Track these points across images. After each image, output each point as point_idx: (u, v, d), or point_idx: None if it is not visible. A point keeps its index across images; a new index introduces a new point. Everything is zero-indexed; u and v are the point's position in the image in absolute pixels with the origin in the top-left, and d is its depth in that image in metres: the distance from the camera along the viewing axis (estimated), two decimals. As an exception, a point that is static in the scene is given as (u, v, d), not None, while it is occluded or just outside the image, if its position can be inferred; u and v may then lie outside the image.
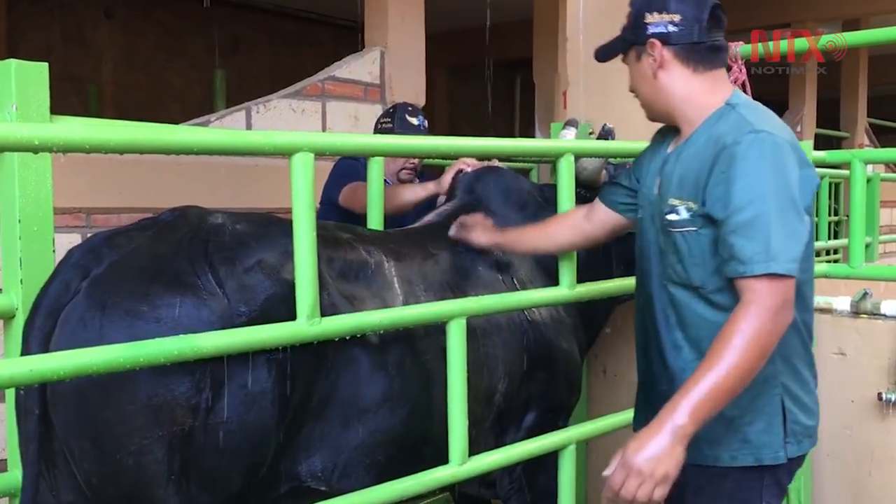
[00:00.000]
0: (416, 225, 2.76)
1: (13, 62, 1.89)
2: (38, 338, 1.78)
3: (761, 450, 1.94)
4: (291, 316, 1.87)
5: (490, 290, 2.52)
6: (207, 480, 1.82)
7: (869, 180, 5.30)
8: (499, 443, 2.54)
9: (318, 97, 4.82)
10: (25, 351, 1.80)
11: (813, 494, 3.15)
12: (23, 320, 1.87)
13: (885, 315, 2.97)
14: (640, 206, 2.17)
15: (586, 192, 2.98)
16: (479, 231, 2.56)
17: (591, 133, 3.57)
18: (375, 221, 2.92)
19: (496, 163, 3.14)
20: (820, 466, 3.11)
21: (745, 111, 1.92)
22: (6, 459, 2.08)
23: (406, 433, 2.16)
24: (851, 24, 9.31)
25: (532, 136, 8.39)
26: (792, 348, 1.95)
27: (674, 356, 2.01)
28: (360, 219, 3.01)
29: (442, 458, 2.19)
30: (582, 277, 2.62)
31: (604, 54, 2.21)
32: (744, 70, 3.03)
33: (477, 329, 2.35)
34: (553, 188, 2.91)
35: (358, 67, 5.05)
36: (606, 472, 1.76)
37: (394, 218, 3.20)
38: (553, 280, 2.62)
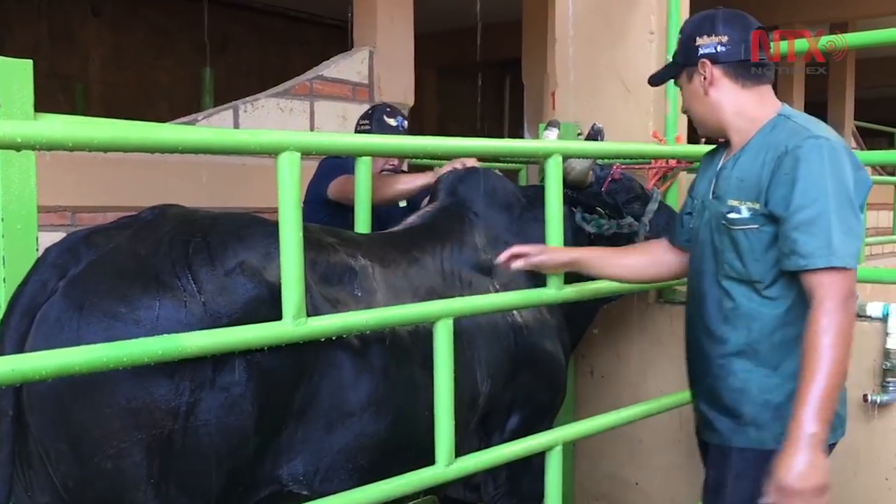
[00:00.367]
0: (400, 228, 2.73)
1: (-4, 60, 1.87)
2: (13, 338, 1.75)
3: None
4: (273, 318, 1.85)
5: (475, 293, 2.51)
6: (187, 484, 1.79)
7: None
8: (483, 446, 2.52)
9: (307, 97, 4.81)
10: None
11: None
12: (0, 319, 1.85)
13: (870, 317, 2.98)
14: (694, 216, 2.33)
15: (574, 192, 2.99)
16: (549, 252, 2.50)
17: (579, 134, 3.58)
18: (363, 221, 2.91)
19: (473, 162, 3.10)
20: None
21: (800, 120, 2.11)
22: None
23: (389, 437, 2.14)
24: (839, 28, 9.35)
25: (521, 136, 8.39)
26: None
27: (719, 348, 2.17)
28: (350, 211, 2.99)
29: (425, 463, 2.17)
30: (566, 279, 2.61)
31: (658, 79, 2.40)
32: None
33: (460, 331, 2.33)
34: (536, 190, 2.91)
35: (346, 67, 5.04)
36: (764, 501, 1.91)
37: (384, 210, 3.20)
38: (537, 283, 2.61)
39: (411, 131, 3.86)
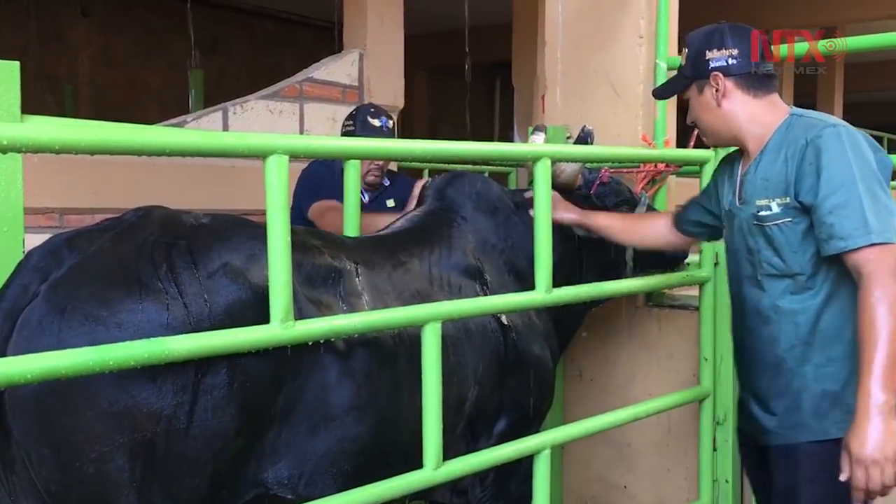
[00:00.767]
0: (387, 231, 2.72)
1: (-17, 60, 1.86)
2: None
3: None
4: (258, 322, 1.83)
5: (462, 297, 2.50)
6: (170, 487, 1.78)
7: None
8: (470, 450, 2.50)
9: (296, 99, 4.80)
10: None
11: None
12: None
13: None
14: (724, 228, 2.43)
15: (563, 195, 2.98)
16: (561, 208, 2.81)
17: (568, 137, 3.58)
18: (352, 228, 2.89)
19: None
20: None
21: (812, 115, 2.21)
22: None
23: (374, 442, 2.13)
24: (828, 32, 9.39)
25: (511, 138, 8.40)
26: None
27: (769, 348, 2.22)
28: None
29: (411, 469, 2.15)
30: (553, 283, 2.61)
31: (665, 92, 2.55)
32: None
33: (447, 336, 2.31)
34: (525, 193, 2.91)
35: (336, 69, 5.04)
36: (843, 478, 1.95)
37: None
38: (525, 287, 2.61)
39: (401, 134, 3.87)
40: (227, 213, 2.41)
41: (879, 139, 12.30)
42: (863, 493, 1.94)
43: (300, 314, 1.95)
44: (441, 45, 10.16)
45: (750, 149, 2.28)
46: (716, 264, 3.15)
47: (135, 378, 1.70)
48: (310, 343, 1.95)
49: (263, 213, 1.87)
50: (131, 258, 1.80)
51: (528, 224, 2.60)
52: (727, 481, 3.19)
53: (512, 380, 2.59)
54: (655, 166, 3.45)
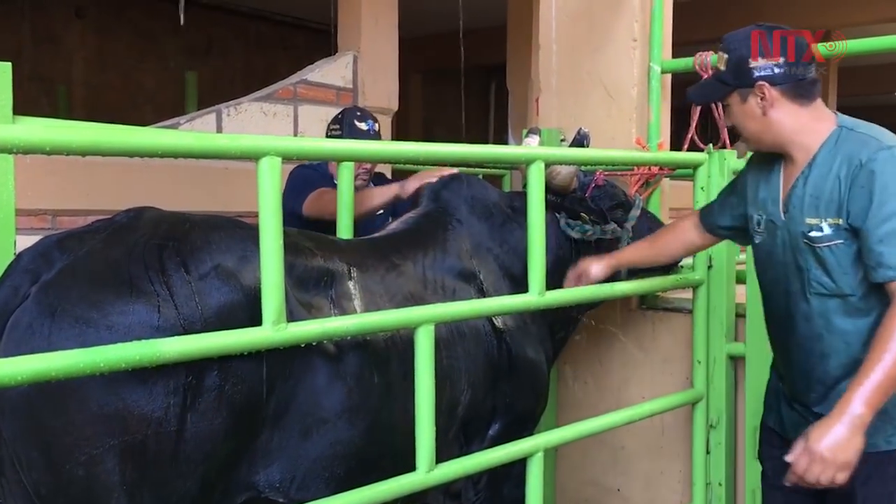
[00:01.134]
0: (381, 234, 2.70)
1: (-26, 62, 1.86)
2: None
3: None
4: (249, 324, 1.83)
5: (456, 300, 2.49)
6: (161, 490, 1.77)
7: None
8: (463, 454, 2.50)
9: (290, 101, 4.80)
10: None
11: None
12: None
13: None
14: (757, 233, 2.35)
15: (558, 198, 2.98)
16: (593, 267, 2.78)
17: (562, 140, 3.58)
18: (346, 227, 2.90)
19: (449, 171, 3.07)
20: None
21: (863, 129, 2.16)
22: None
23: (366, 445, 2.12)
24: (825, 36, 9.42)
25: (506, 141, 8.41)
26: None
27: (822, 366, 2.20)
28: (327, 226, 2.97)
29: (404, 472, 2.16)
30: (547, 287, 2.61)
31: (702, 97, 2.47)
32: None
33: (440, 339, 2.30)
34: (521, 197, 2.90)
35: (330, 71, 5.04)
36: (789, 458, 1.98)
37: (363, 223, 3.18)
38: (519, 289, 2.60)
39: (396, 137, 3.86)
40: (220, 214, 2.40)
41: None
42: (797, 479, 1.98)
43: (291, 316, 1.95)
44: (436, 47, 10.16)
45: (797, 158, 2.21)
46: (709, 267, 3.15)
47: (125, 380, 1.69)
48: (302, 345, 1.94)
49: (256, 214, 1.87)
50: (122, 260, 1.79)
51: (524, 227, 2.59)
52: (720, 484, 3.19)
53: (506, 384, 2.58)
54: (649, 169, 3.46)
